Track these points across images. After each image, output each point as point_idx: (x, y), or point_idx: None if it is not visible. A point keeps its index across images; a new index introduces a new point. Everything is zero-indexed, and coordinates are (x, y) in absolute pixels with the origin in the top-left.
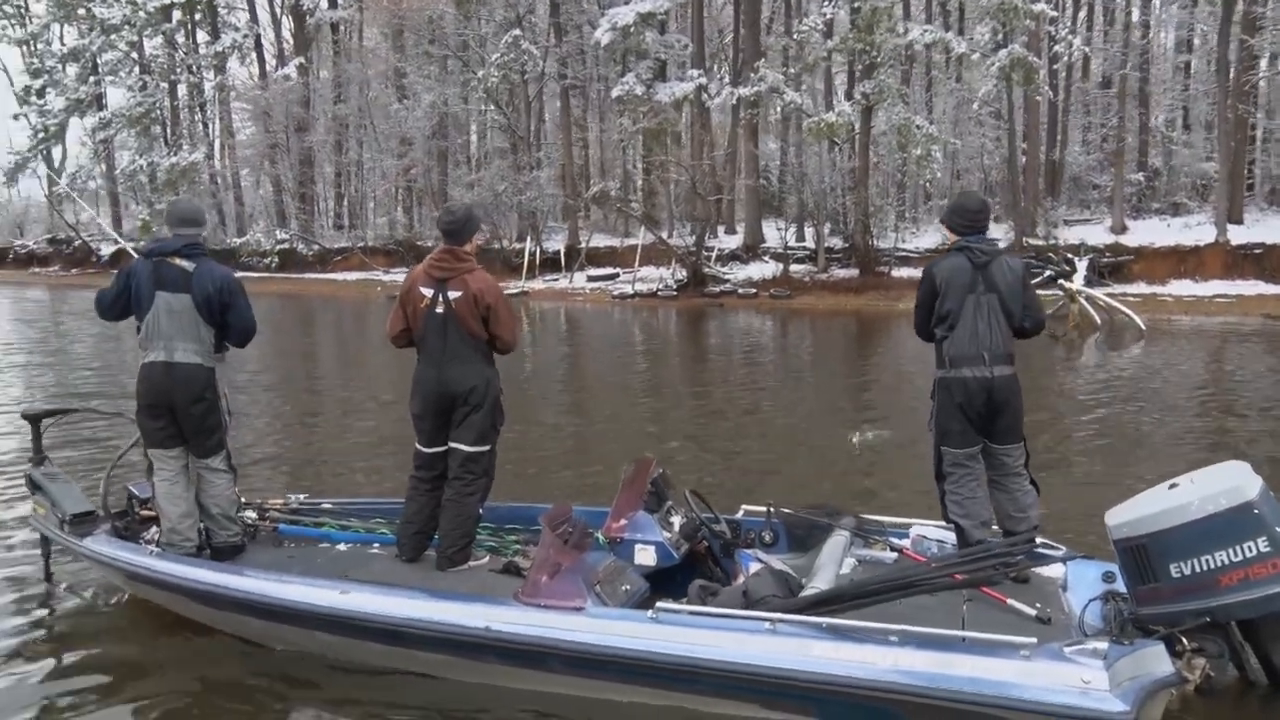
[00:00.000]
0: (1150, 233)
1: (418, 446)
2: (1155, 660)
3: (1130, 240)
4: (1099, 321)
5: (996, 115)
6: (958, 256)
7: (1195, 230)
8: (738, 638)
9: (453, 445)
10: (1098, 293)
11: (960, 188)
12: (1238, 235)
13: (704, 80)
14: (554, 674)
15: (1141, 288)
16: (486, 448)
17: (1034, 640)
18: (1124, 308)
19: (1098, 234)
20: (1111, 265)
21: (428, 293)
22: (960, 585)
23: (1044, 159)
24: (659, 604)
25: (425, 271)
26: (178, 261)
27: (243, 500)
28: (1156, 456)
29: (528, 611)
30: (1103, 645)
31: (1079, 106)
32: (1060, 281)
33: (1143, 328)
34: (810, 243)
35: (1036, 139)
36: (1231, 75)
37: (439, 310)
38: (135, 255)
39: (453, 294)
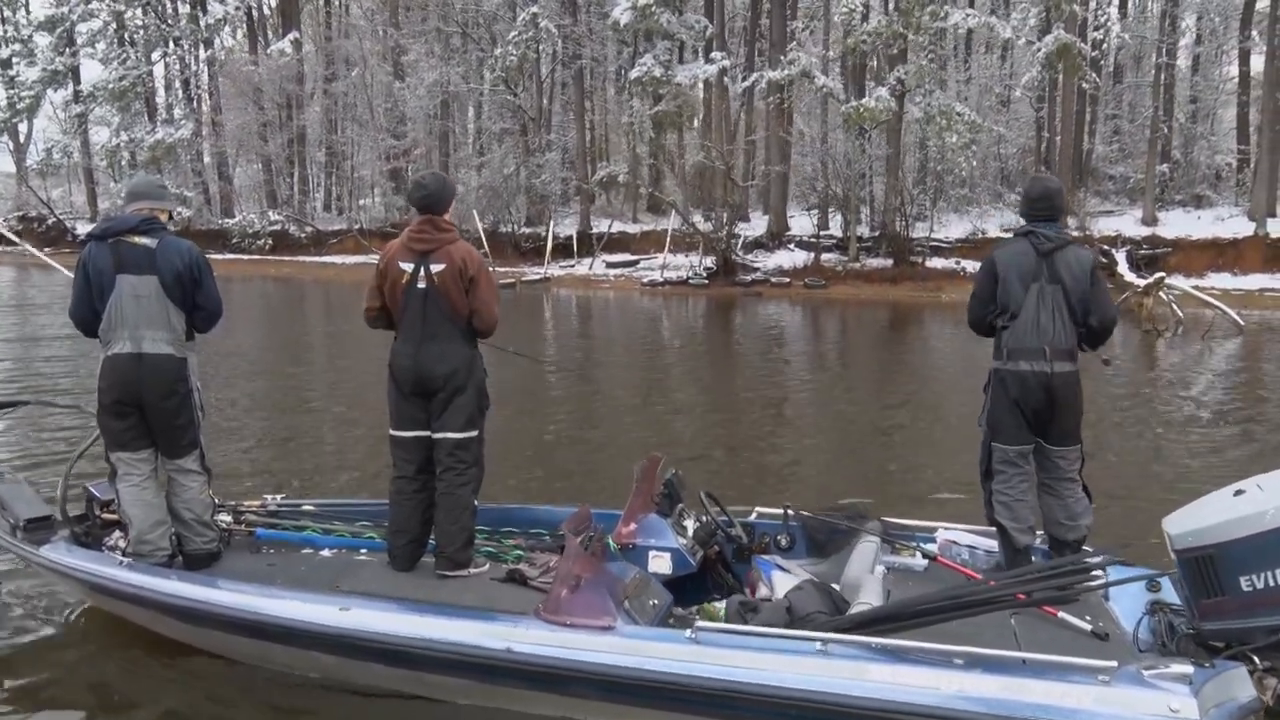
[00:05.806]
0: (1179, 224)
1: (392, 432)
2: (1239, 684)
3: (1164, 232)
4: (1181, 316)
5: (1005, 103)
6: (1021, 242)
7: (1228, 223)
8: (787, 660)
9: (439, 435)
10: (1185, 285)
11: (980, 176)
12: (1273, 228)
13: (727, 63)
14: (578, 698)
15: (1179, 280)
16: (474, 433)
17: (1114, 664)
18: (1217, 302)
19: (1128, 225)
20: (1147, 258)
21: (407, 268)
22: (1030, 604)
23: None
24: (698, 623)
25: (404, 245)
26: (138, 240)
27: (216, 502)
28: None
29: (554, 631)
30: (1187, 669)
31: (1098, 98)
32: (1159, 275)
33: (1241, 323)
34: (835, 230)
35: (1070, 128)
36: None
37: (420, 286)
38: (88, 239)
39: (435, 267)
